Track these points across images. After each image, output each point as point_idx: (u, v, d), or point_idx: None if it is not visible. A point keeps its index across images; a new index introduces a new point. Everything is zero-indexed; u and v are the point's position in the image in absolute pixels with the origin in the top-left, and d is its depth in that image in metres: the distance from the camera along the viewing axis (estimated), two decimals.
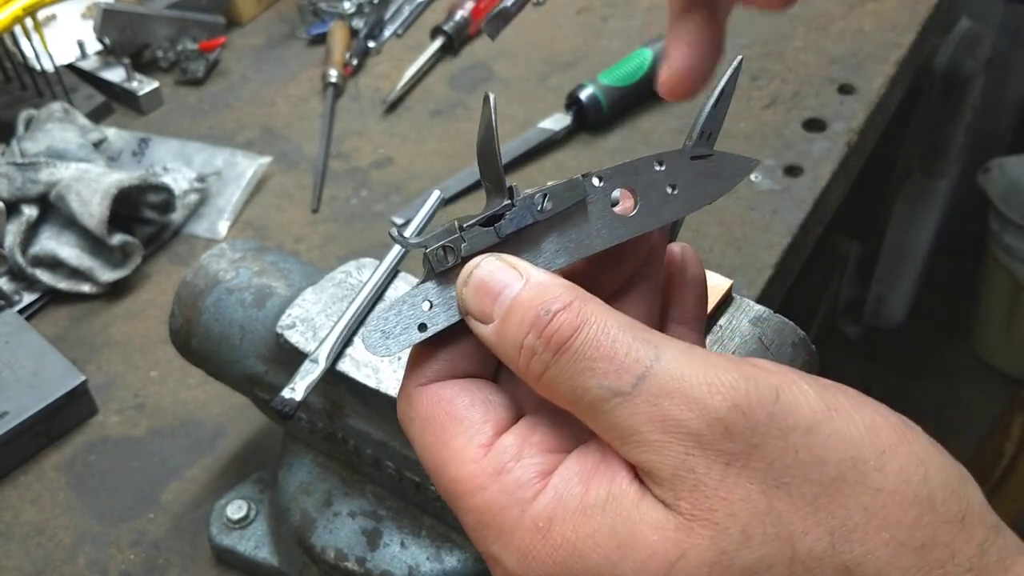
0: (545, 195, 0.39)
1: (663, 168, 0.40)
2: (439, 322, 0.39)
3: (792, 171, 1.11)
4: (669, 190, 0.40)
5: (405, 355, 0.40)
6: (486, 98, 0.38)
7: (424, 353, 0.39)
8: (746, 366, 0.33)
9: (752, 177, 1.10)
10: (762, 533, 0.31)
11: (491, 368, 0.40)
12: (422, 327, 0.39)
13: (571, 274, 0.41)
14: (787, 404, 0.32)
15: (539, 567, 0.34)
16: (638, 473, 0.34)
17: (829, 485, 0.31)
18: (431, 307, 0.39)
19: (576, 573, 0.33)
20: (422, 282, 0.39)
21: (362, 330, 0.40)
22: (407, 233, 0.72)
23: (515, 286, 0.36)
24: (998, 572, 0.32)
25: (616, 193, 0.40)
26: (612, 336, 0.34)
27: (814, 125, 1.17)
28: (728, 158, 0.41)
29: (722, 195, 0.41)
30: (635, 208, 0.40)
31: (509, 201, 0.39)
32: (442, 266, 0.39)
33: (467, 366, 0.39)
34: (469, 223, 0.39)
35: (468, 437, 0.37)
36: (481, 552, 0.36)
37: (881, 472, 0.32)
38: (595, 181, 0.40)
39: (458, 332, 0.39)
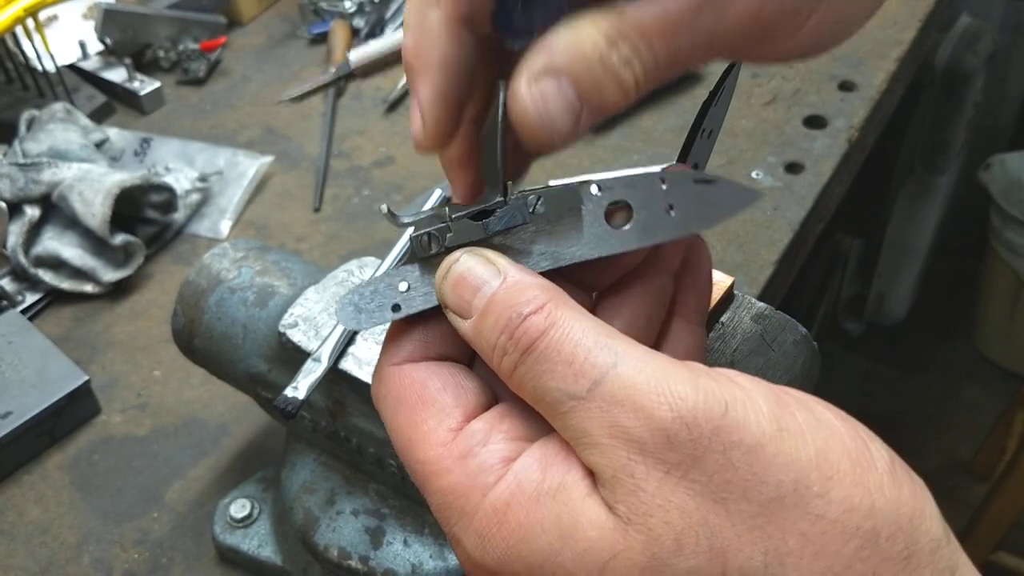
0: (539, 197, 0.39)
1: (665, 187, 0.39)
2: (414, 305, 0.39)
3: (793, 168, 1.11)
4: (667, 210, 0.39)
5: None
6: (498, 89, 0.38)
7: (399, 332, 0.40)
8: (704, 378, 0.33)
9: (753, 175, 1.10)
10: (695, 544, 0.31)
11: (466, 352, 0.41)
12: (396, 308, 0.39)
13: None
14: (734, 420, 0.32)
15: (493, 550, 0.35)
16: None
17: (767, 505, 0.31)
18: (408, 289, 0.39)
19: (524, 556, 0.34)
20: (404, 263, 0.40)
21: (337, 301, 0.40)
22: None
23: (493, 283, 0.37)
24: None
25: (612, 204, 0.39)
26: (575, 341, 0.34)
27: (815, 122, 1.17)
28: (731, 187, 0.40)
29: (719, 223, 0.40)
30: (629, 223, 0.39)
31: (502, 198, 0.39)
32: (425, 252, 0.39)
33: (441, 348, 0.40)
34: (458, 214, 0.39)
35: (438, 421, 0.37)
36: (445, 532, 0.37)
37: (823, 499, 0.31)
38: (593, 190, 0.39)
39: (433, 314, 0.39)
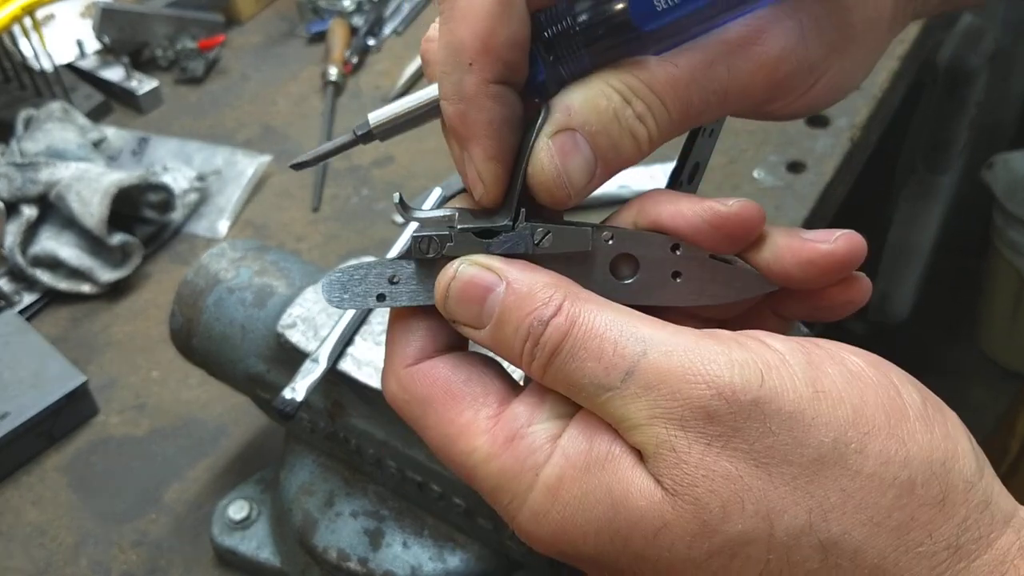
0: (548, 232, 0.38)
1: (678, 253, 0.39)
2: (399, 300, 0.40)
3: (795, 167, 1.10)
4: (673, 276, 0.39)
5: None
6: (541, 109, 0.38)
7: (403, 330, 0.40)
8: (736, 350, 0.34)
9: (755, 174, 1.09)
10: (741, 509, 0.33)
11: None
12: (381, 297, 0.40)
13: None
14: (771, 389, 0.33)
15: (550, 524, 0.36)
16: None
17: (808, 467, 0.33)
18: (397, 283, 0.40)
19: (580, 525, 0.35)
20: (400, 257, 0.40)
21: (326, 275, 0.40)
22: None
23: (498, 290, 0.37)
24: (979, 548, 0.33)
25: (619, 255, 0.39)
26: (600, 335, 0.35)
27: (817, 121, 1.16)
28: (745, 272, 0.39)
29: (724, 303, 0.40)
30: (632, 278, 0.39)
31: (510, 223, 0.39)
32: (422, 254, 0.39)
33: (448, 338, 0.40)
34: (464, 226, 0.39)
35: (475, 411, 0.38)
36: (497, 511, 0.38)
37: (861, 455, 0.33)
38: (605, 237, 0.39)
39: (432, 308, 0.39)
